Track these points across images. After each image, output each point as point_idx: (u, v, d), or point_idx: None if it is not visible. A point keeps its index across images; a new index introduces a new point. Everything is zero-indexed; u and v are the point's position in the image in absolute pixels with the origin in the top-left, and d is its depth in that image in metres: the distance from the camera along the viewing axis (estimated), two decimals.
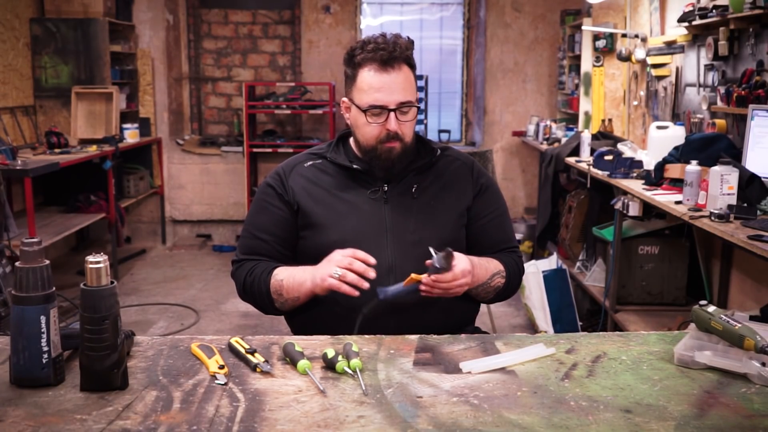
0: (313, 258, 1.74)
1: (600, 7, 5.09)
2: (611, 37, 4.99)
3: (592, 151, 4.19)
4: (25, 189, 4.07)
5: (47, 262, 1.23)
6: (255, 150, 6.10)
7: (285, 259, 1.80)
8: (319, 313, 1.73)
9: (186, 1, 6.29)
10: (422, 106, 6.00)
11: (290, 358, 1.34)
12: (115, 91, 5.47)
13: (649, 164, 3.60)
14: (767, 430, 1.13)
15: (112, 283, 1.23)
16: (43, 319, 1.21)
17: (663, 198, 3.05)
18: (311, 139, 6.23)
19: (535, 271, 4.17)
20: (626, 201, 3.40)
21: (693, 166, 2.89)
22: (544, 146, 5.32)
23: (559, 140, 5.21)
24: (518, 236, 5.69)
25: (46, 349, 1.22)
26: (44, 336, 1.22)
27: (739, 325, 1.31)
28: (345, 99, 1.79)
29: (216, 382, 1.27)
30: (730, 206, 2.62)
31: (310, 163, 1.83)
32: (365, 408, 1.18)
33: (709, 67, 3.60)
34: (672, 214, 2.93)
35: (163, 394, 1.22)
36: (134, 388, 1.24)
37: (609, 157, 3.80)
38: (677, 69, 4.02)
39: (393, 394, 1.23)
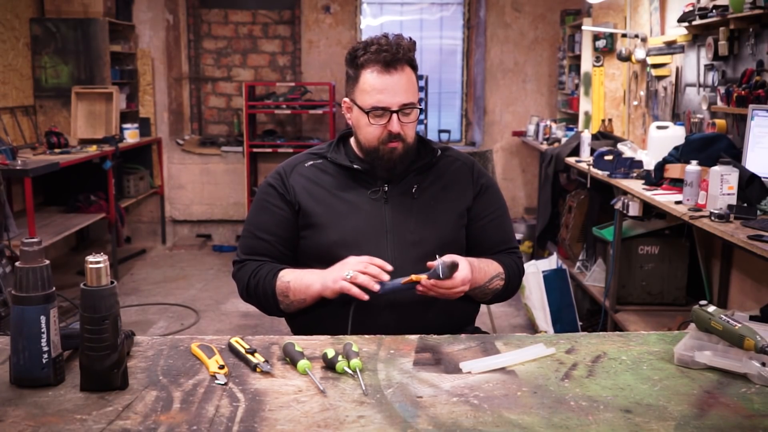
0: (314, 258, 1.74)
1: (600, 7, 5.09)
2: (611, 37, 4.99)
3: (592, 151, 4.19)
4: (25, 189, 4.07)
5: (47, 262, 1.23)
6: (255, 150, 6.10)
7: (286, 259, 1.79)
8: (320, 314, 1.73)
9: (186, 1, 6.28)
10: (423, 106, 6.00)
11: (290, 358, 1.34)
12: (115, 91, 5.47)
13: (649, 164, 3.59)
14: (767, 430, 1.13)
15: (112, 283, 1.23)
16: (43, 319, 1.21)
17: (663, 198, 3.05)
18: (311, 139, 6.22)
19: (535, 271, 4.17)
20: (626, 201, 3.40)
21: (693, 166, 2.89)
22: (544, 146, 5.32)
23: (559, 140, 5.21)
24: (518, 236, 5.69)
25: (46, 349, 1.22)
26: (44, 336, 1.22)
27: (739, 325, 1.31)
28: (347, 99, 1.78)
29: (216, 382, 1.27)
30: (730, 206, 2.62)
31: (311, 163, 1.83)
32: (365, 408, 1.18)
33: (709, 67, 3.60)
34: (672, 214, 2.92)
35: (163, 394, 1.22)
36: (134, 388, 1.24)
37: (609, 157, 3.80)
38: (677, 69, 4.02)
39: (393, 394, 1.23)
